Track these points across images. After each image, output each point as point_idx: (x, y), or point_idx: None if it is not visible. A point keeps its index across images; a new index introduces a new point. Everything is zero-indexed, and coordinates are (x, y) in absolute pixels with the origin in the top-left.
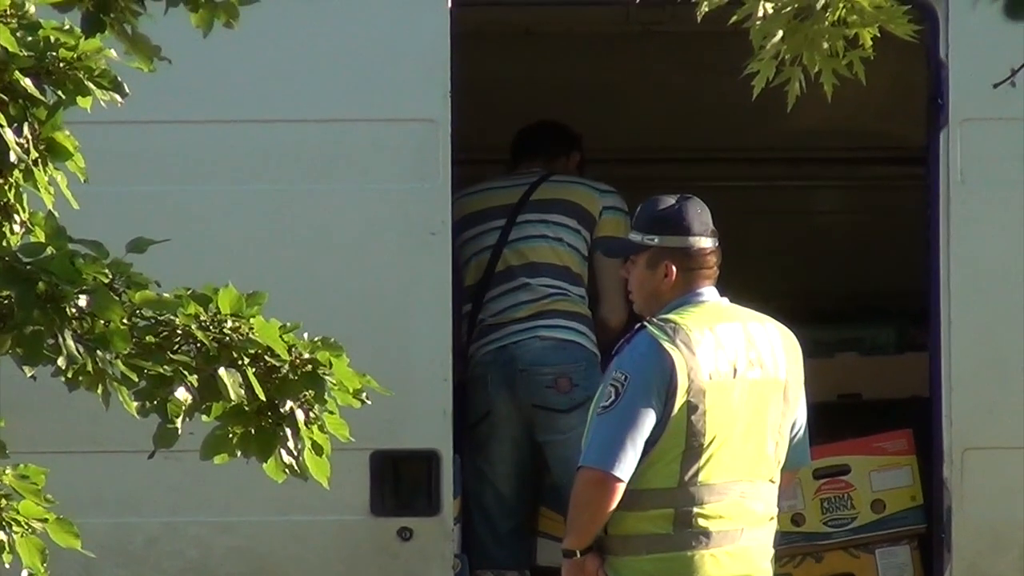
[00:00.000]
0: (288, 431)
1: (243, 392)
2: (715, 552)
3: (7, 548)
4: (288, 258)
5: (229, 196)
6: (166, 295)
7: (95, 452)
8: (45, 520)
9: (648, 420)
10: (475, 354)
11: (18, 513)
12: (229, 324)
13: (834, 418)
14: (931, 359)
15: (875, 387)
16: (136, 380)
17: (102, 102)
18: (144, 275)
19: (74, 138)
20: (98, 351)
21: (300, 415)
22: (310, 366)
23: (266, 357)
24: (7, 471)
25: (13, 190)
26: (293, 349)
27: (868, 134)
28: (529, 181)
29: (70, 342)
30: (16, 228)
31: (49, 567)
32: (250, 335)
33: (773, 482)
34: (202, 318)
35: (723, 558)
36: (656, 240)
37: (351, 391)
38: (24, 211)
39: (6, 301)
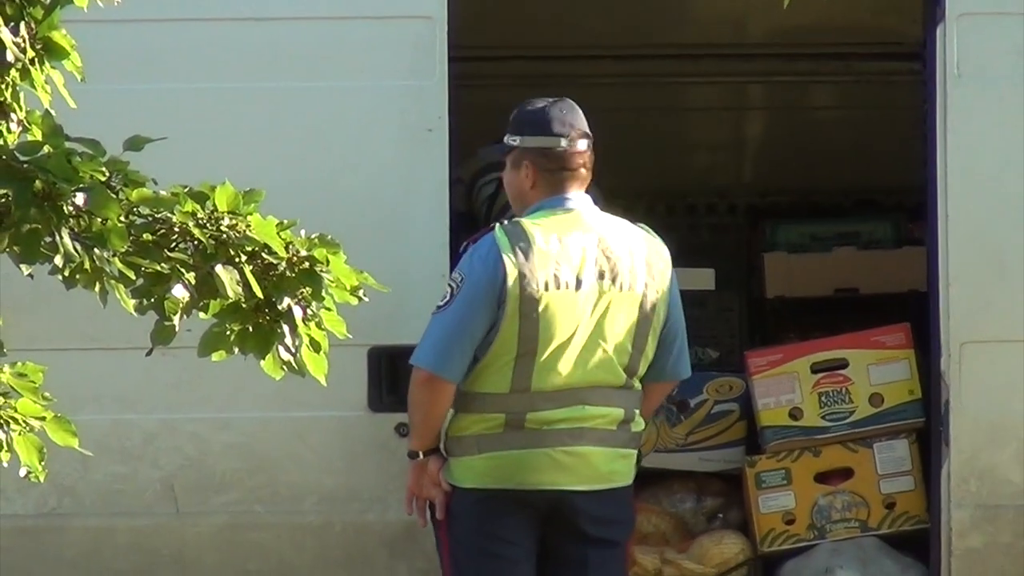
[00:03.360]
0: (286, 328)
1: (240, 289)
2: (549, 451)
3: (5, 446)
4: (285, 156)
5: (227, 94)
6: (163, 193)
7: (93, 349)
8: (43, 418)
9: (476, 323)
10: None
11: (16, 411)
12: (226, 222)
13: (832, 312)
14: (928, 253)
15: (872, 281)
16: (133, 278)
17: (99, 1)
18: (141, 173)
19: (71, 37)
20: (95, 249)
21: (297, 312)
22: (307, 263)
23: (263, 254)
24: (5, 369)
25: (10, 89)
26: (290, 246)
27: (865, 29)
28: None
29: (67, 240)
30: (13, 127)
31: (47, 465)
32: (247, 232)
33: (627, 387)
34: (199, 216)
35: (559, 456)
36: (518, 141)
37: (348, 288)
38: (21, 110)
39: (3, 200)
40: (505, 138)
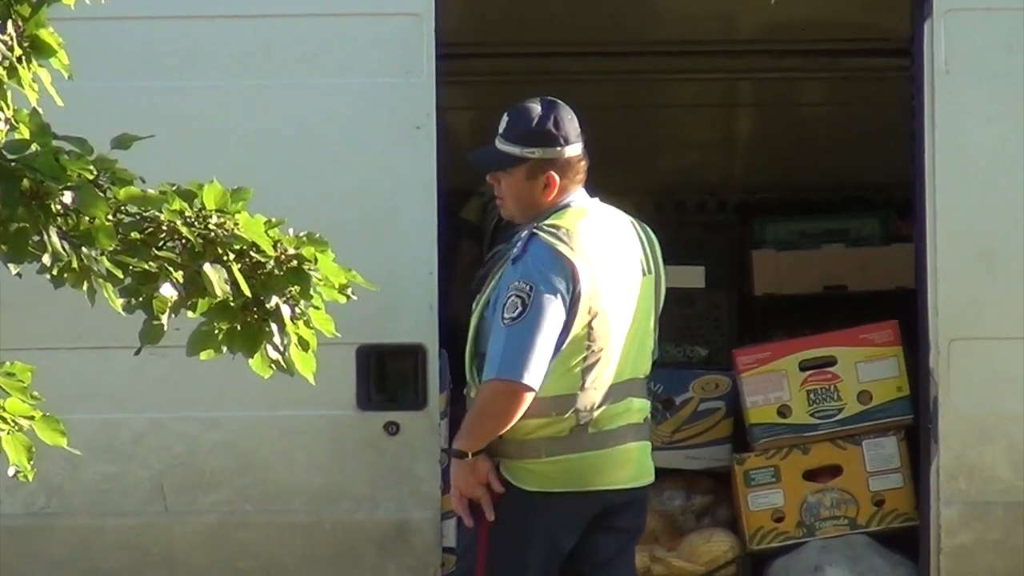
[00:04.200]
0: (274, 326)
1: (228, 288)
2: (607, 452)
3: None
4: (273, 153)
5: (214, 92)
6: (151, 191)
7: (81, 349)
8: (31, 417)
9: (556, 328)
10: None
11: (4, 411)
12: (214, 220)
13: (820, 309)
14: (917, 250)
15: (861, 278)
16: (121, 277)
17: None
18: (129, 171)
19: (58, 35)
20: (83, 248)
21: (286, 310)
22: (295, 261)
23: (251, 253)
24: None
25: None
26: (278, 245)
27: (853, 25)
28: None
29: (55, 239)
30: (0, 125)
31: (35, 464)
32: (235, 231)
33: (647, 376)
34: (187, 214)
35: (616, 455)
36: (538, 153)
37: (337, 286)
38: (8, 108)
39: None
40: (509, 148)
